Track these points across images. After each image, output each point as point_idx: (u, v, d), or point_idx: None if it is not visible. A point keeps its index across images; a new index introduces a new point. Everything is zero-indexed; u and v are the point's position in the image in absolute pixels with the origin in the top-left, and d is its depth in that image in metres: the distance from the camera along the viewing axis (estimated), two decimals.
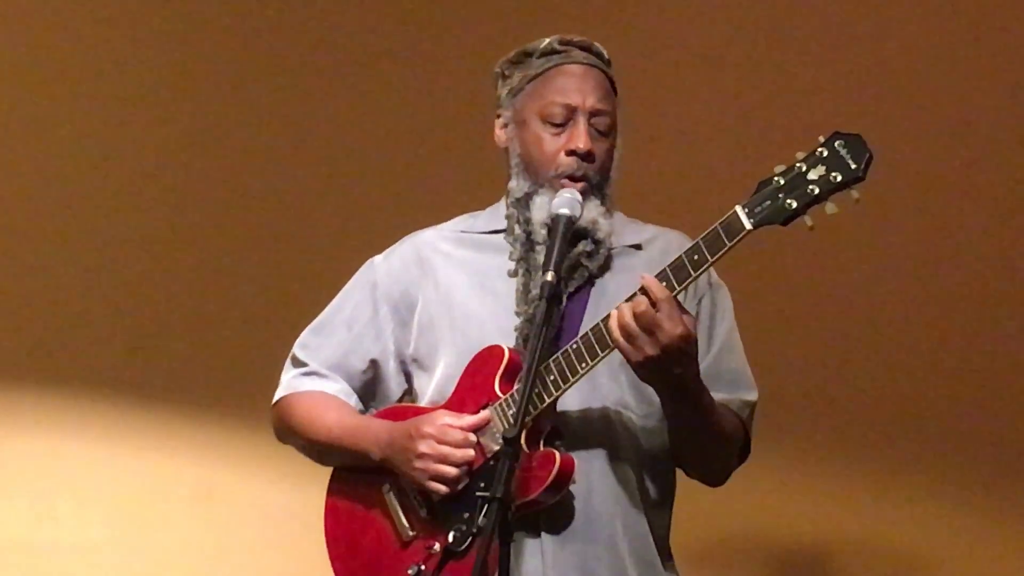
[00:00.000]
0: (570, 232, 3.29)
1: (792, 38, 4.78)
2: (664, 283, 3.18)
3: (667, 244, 3.51)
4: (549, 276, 3.19)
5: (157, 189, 5.19)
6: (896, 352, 4.64)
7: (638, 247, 3.50)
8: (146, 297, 5.15)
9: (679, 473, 3.47)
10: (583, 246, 3.38)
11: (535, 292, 3.35)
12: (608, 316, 3.18)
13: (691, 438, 3.32)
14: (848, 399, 4.65)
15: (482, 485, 3.24)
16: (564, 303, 3.34)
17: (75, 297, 5.15)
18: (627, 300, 3.16)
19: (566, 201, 3.30)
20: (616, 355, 3.21)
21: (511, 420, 3.26)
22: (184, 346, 5.09)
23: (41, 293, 5.16)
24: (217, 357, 4.92)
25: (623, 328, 3.12)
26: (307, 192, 5.14)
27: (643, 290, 3.14)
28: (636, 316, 3.10)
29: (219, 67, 5.22)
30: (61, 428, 5.11)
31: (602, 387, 3.34)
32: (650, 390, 3.34)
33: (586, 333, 3.24)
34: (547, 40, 3.49)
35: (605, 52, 3.52)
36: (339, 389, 3.59)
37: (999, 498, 4.54)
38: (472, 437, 3.32)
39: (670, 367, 3.13)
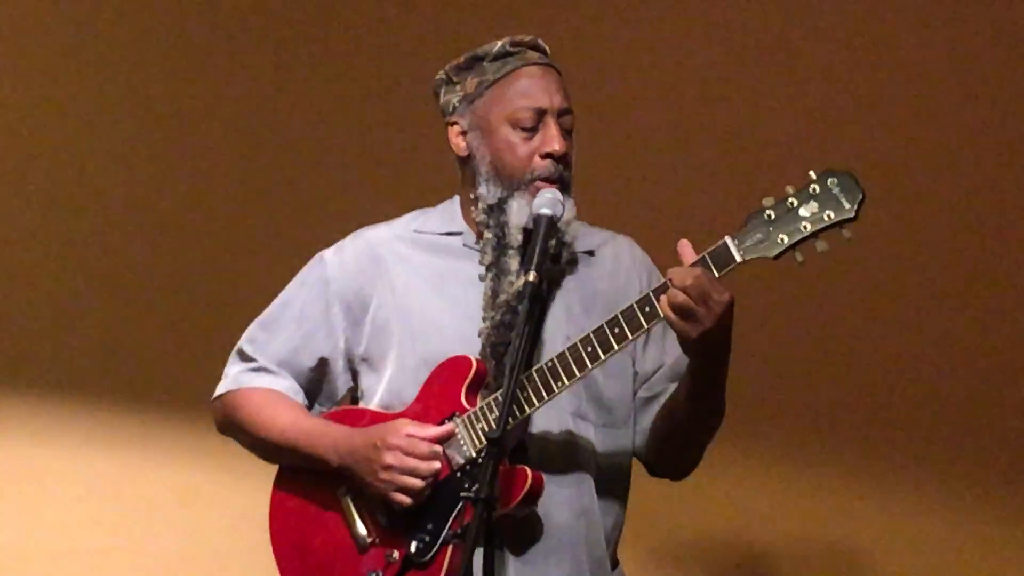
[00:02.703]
0: (552, 232, 3.28)
1: (779, 58, 4.82)
2: (647, 308, 3.20)
3: (617, 250, 3.53)
4: (531, 276, 3.17)
5: (135, 193, 5.11)
6: (875, 349, 4.71)
7: (591, 253, 3.50)
8: (128, 301, 5.07)
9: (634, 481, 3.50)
10: (552, 247, 3.36)
11: (503, 297, 3.34)
12: (642, 302, 3.18)
13: (706, 410, 3.32)
14: (827, 398, 4.72)
15: (466, 487, 3.22)
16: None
17: (56, 302, 5.07)
18: (658, 289, 3.15)
19: (548, 201, 3.29)
20: None
21: (483, 431, 3.27)
22: (167, 349, 5.02)
23: (22, 299, 5.08)
24: (202, 360, 4.77)
25: (679, 307, 3.10)
26: (290, 195, 5.09)
27: (671, 279, 3.13)
28: (687, 289, 3.09)
29: (198, 74, 5.17)
30: (45, 434, 5.03)
31: (561, 398, 3.33)
32: (609, 399, 3.41)
33: (563, 352, 3.25)
34: (498, 43, 3.45)
35: (549, 49, 3.50)
36: (288, 387, 3.54)
37: (985, 497, 4.64)
38: (438, 449, 3.30)
39: (720, 334, 3.14)
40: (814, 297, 4.70)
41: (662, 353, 3.45)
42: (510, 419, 3.23)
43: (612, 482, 3.43)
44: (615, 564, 3.50)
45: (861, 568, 4.65)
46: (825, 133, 4.66)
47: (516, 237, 3.37)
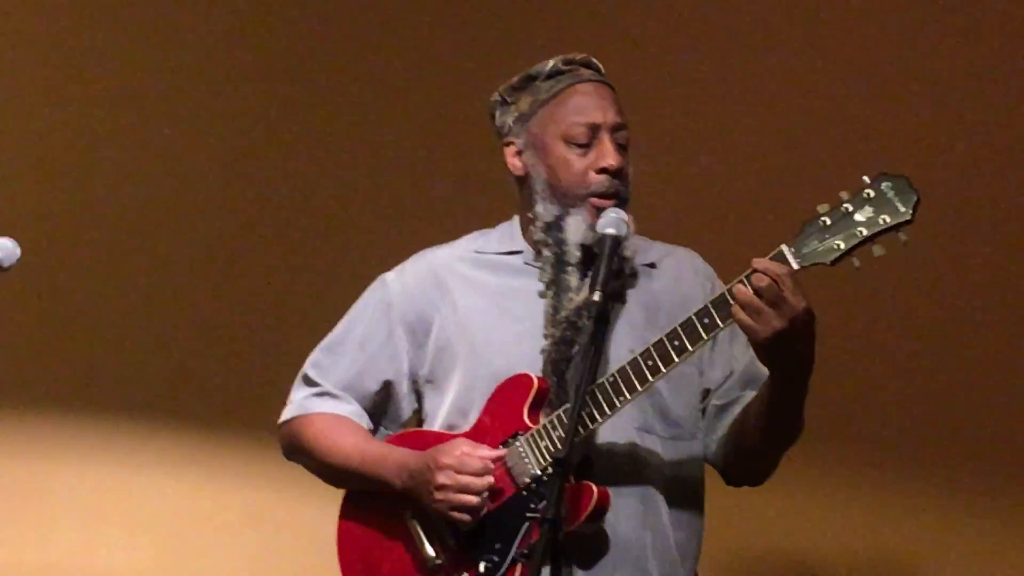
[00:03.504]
0: (617, 252, 3.27)
1: (832, 68, 4.80)
2: (706, 319, 3.18)
3: (679, 263, 3.52)
4: (597, 296, 3.16)
5: (198, 219, 5.13)
6: (927, 367, 4.68)
7: (653, 266, 3.49)
8: (190, 324, 5.09)
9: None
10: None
11: (564, 314, 3.34)
12: (717, 301, 3.15)
13: (785, 423, 3.28)
14: (882, 413, 4.69)
15: (532, 507, 3.25)
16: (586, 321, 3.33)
17: (119, 326, 5.09)
18: (737, 282, 3.12)
19: (612, 221, 3.28)
20: None
21: (547, 449, 3.27)
22: (229, 371, 5.04)
23: (86, 323, 5.09)
24: (263, 382, 4.85)
25: (748, 305, 3.07)
26: (353, 219, 5.11)
27: (753, 273, 3.09)
28: (760, 291, 3.06)
29: (248, 107, 5.19)
30: (109, 456, 5.04)
31: (626, 413, 3.32)
32: (676, 413, 3.39)
33: (624, 367, 3.24)
34: (551, 62, 3.47)
35: (602, 67, 3.51)
36: (352, 411, 3.56)
37: None
38: (491, 465, 3.30)
39: (795, 342, 3.08)
40: (881, 310, 4.69)
41: (731, 360, 3.43)
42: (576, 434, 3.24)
43: (682, 494, 3.41)
44: None
45: None
46: (879, 140, 4.63)
47: (574, 254, 3.37)
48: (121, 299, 5.10)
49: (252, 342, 5.07)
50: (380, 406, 3.58)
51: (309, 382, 3.60)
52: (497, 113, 3.51)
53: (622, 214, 3.30)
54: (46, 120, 5.15)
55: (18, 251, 3.17)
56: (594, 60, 3.48)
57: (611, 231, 3.26)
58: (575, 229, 3.37)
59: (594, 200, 3.37)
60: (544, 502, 3.09)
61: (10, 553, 4.99)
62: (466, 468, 3.29)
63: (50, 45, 5.20)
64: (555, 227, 3.39)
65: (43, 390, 5.07)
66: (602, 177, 3.37)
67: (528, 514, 3.21)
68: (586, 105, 3.41)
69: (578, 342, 3.29)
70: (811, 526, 4.72)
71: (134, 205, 5.14)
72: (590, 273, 3.28)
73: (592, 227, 3.33)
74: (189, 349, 5.07)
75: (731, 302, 3.13)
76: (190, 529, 5.01)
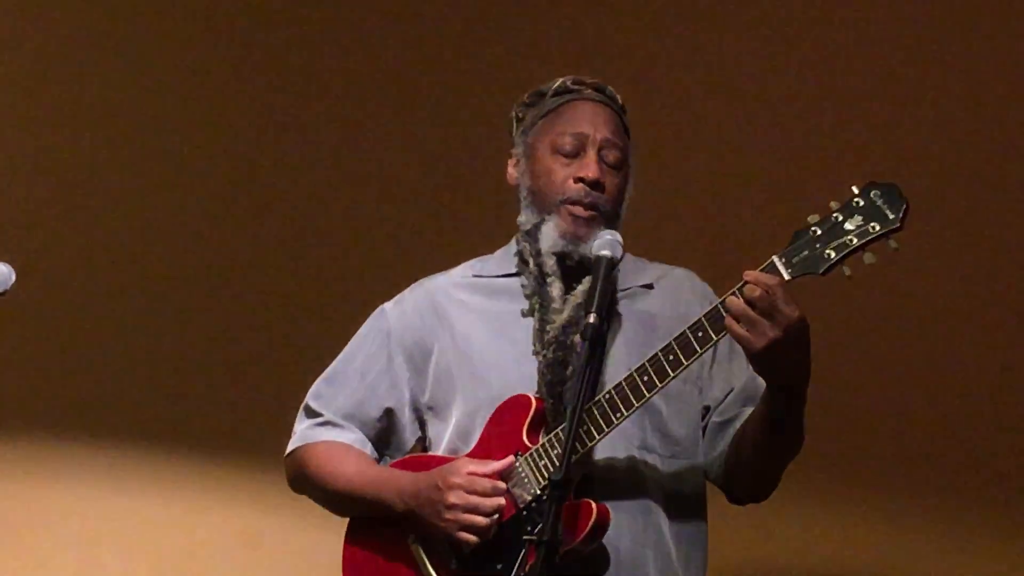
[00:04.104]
0: (611, 274, 3.28)
1: (817, 83, 4.83)
2: (700, 332, 3.19)
3: (677, 282, 3.53)
4: (592, 319, 3.16)
5: (196, 243, 5.15)
6: (947, 376, 4.67)
7: (649, 287, 3.50)
8: (187, 349, 5.10)
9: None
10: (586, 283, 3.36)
11: (550, 329, 3.35)
12: (711, 313, 3.15)
13: (784, 436, 3.27)
14: (887, 426, 4.68)
15: (528, 530, 3.25)
16: (577, 339, 3.33)
17: (114, 351, 5.10)
18: (729, 294, 3.13)
19: (607, 243, 3.29)
20: None
21: (546, 468, 3.27)
22: (227, 396, 5.05)
23: (81, 347, 5.10)
24: (262, 405, 4.88)
25: (742, 315, 3.08)
26: (358, 250, 5.13)
27: (745, 285, 3.10)
28: (753, 301, 3.07)
29: (258, 119, 5.22)
30: (106, 479, 5.05)
31: (626, 431, 3.33)
32: (675, 431, 3.39)
33: (620, 383, 3.25)
34: (560, 80, 3.51)
35: (619, 97, 3.54)
36: (355, 439, 3.57)
37: None
38: (500, 485, 3.31)
39: (790, 351, 3.09)
40: (884, 320, 4.69)
41: (730, 376, 3.43)
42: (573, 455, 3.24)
43: (683, 511, 3.41)
44: None
45: None
46: (869, 150, 4.65)
47: (548, 263, 3.40)
48: (117, 323, 5.12)
49: (249, 367, 5.07)
50: (383, 434, 3.59)
51: (311, 413, 3.62)
52: (512, 129, 3.55)
53: (616, 236, 3.32)
54: (43, 139, 5.18)
55: (13, 276, 3.17)
56: (609, 88, 3.52)
57: (605, 253, 3.28)
58: (547, 235, 3.39)
59: (568, 207, 3.39)
60: (541, 525, 3.08)
61: None
62: (476, 488, 3.30)
63: (45, 62, 5.24)
64: (532, 235, 3.43)
65: (39, 415, 5.07)
66: (578, 186, 3.40)
67: (525, 536, 3.21)
68: (579, 118, 3.45)
69: (570, 360, 3.30)
70: (815, 540, 4.70)
71: (131, 228, 5.16)
72: (575, 288, 3.31)
73: (565, 235, 3.36)
74: (186, 374, 5.08)
75: (724, 315, 3.15)
76: (186, 554, 5.01)
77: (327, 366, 3.64)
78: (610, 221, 3.42)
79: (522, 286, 3.46)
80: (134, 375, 5.08)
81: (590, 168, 3.39)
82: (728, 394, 3.43)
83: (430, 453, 3.53)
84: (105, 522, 5.04)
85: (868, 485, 4.70)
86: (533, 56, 4.96)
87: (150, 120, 5.19)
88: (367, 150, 5.15)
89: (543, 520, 3.05)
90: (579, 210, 3.39)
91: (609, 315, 3.40)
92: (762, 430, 3.28)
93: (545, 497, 3.23)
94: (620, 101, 3.53)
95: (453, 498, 3.30)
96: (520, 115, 3.53)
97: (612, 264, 3.28)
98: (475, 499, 3.29)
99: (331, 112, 5.19)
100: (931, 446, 4.65)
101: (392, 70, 5.16)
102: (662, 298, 3.49)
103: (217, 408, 5.05)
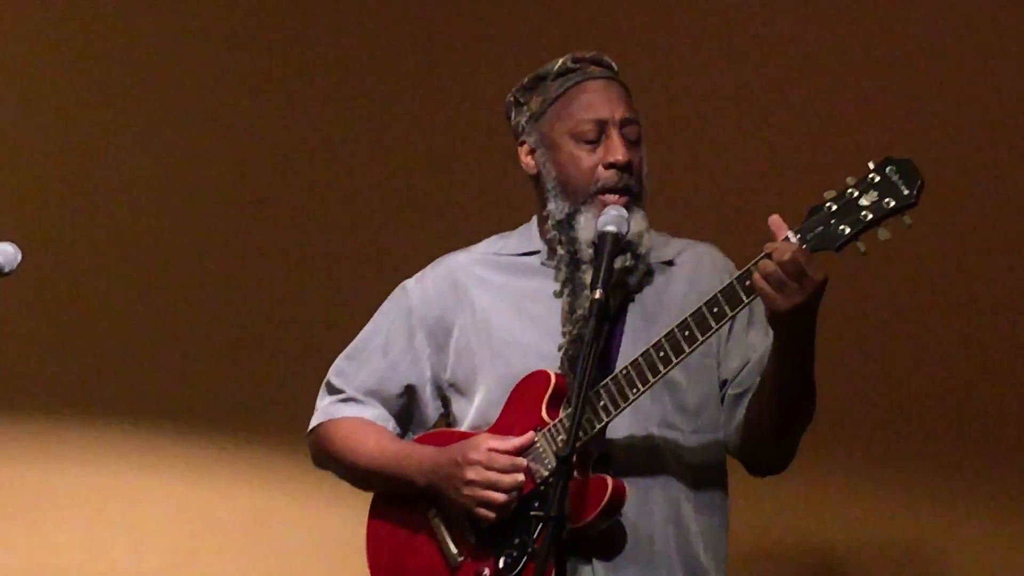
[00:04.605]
0: (617, 249, 3.30)
1: (833, 58, 4.82)
2: (715, 308, 3.20)
3: (698, 258, 3.53)
4: (597, 294, 3.20)
5: (206, 220, 5.16)
6: (962, 348, 4.67)
7: (670, 263, 3.51)
8: (197, 326, 5.11)
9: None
10: (622, 261, 3.37)
11: (580, 312, 3.36)
12: (747, 274, 3.17)
13: (796, 396, 3.28)
14: (904, 403, 4.68)
15: (535, 506, 3.28)
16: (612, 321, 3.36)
17: (125, 328, 5.11)
18: (744, 271, 3.17)
19: (612, 219, 3.32)
20: None
21: (563, 442, 3.28)
22: (237, 375, 5.06)
23: (89, 325, 5.11)
24: (268, 383, 4.90)
25: (770, 276, 3.11)
26: (357, 220, 5.12)
27: (772, 252, 3.13)
28: (784, 264, 3.10)
29: (264, 107, 5.21)
30: (114, 459, 5.07)
31: (646, 408, 3.35)
32: (695, 406, 3.40)
33: (636, 359, 3.26)
34: (559, 61, 3.50)
35: (615, 64, 3.53)
36: (376, 415, 3.59)
37: None
38: (520, 461, 3.33)
39: (810, 312, 3.14)
40: (897, 294, 4.68)
41: (747, 349, 3.43)
42: (588, 431, 3.27)
43: (704, 486, 3.42)
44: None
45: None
46: (888, 127, 4.63)
47: (586, 251, 3.39)
48: (126, 301, 5.12)
49: (260, 345, 5.08)
50: (405, 411, 3.61)
51: (332, 389, 3.64)
52: (512, 114, 3.54)
53: (623, 211, 3.34)
54: (49, 123, 5.18)
55: (19, 256, 3.18)
56: (605, 57, 3.51)
57: (611, 228, 3.30)
58: (586, 226, 3.39)
59: (603, 197, 3.40)
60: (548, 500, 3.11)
61: (18, 557, 5.02)
62: (494, 464, 3.32)
63: (54, 49, 5.24)
64: (567, 225, 3.42)
65: (49, 394, 5.09)
66: (610, 172, 3.40)
67: (532, 512, 3.24)
68: (594, 101, 3.44)
69: (584, 344, 3.31)
70: (833, 515, 4.70)
71: (140, 205, 5.16)
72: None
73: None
74: (196, 352, 5.09)
75: (740, 291, 3.16)
76: (197, 533, 5.03)
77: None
78: (639, 200, 3.43)
79: (555, 269, 3.45)
80: (142, 354, 5.09)
81: (618, 151, 3.39)
82: (745, 366, 3.43)
83: (455, 429, 3.55)
84: (115, 501, 5.06)
85: (886, 458, 4.71)
86: (544, 28, 4.97)
87: (161, 96, 5.19)
88: (386, 126, 5.14)
89: (550, 496, 3.08)
90: (613, 199, 3.39)
91: (629, 291, 3.42)
92: (774, 392, 3.29)
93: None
94: (615, 67, 3.52)
95: (472, 474, 3.33)
96: (520, 99, 3.51)
97: (617, 239, 3.29)
98: (494, 475, 3.32)
99: (351, 85, 5.18)
100: (953, 423, 4.65)
101: (405, 47, 5.16)
102: (682, 274, 3.50)
103: (225, 387, 5.06)
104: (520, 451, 3.34)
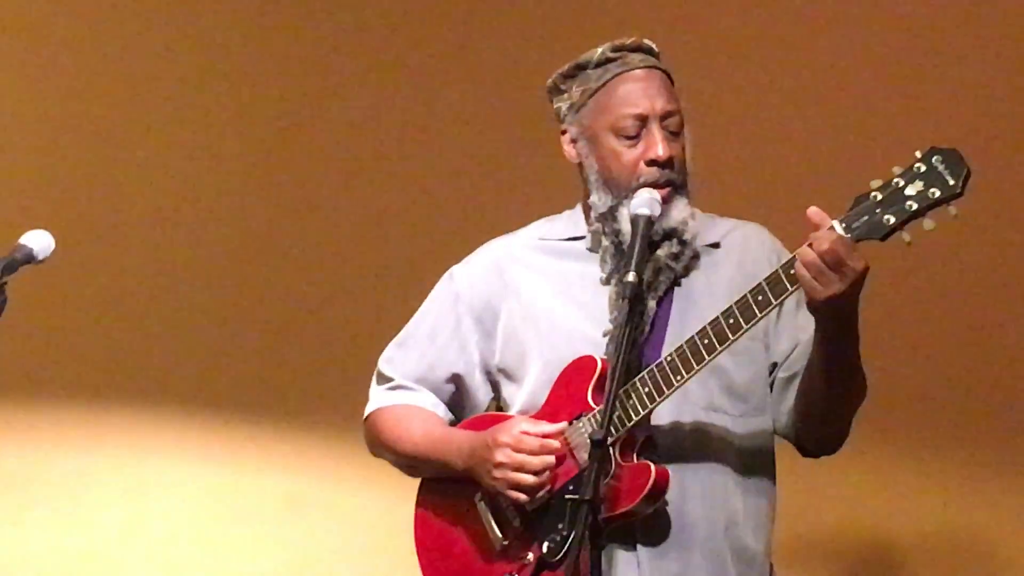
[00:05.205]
0: (650, 232, 3.32)
1: (886, 44, 4.81)
2: (760, 296, 3.21)
3: (745, 239, 3.53)
4: (631, 277, 3.22)
5: (232, 206, 5.21)
6: (1002, 349, 4.66)
7: (716, 245, 3.52)
8: (228, 312, 5.16)
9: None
10: (669, 247, 3.40)
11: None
12: (791, 262, 3.16)
13: (845, 378, 3.29)
14: (952, 394, 4.66)
15: (571, 490, 3.30)
16: (649, 304, 3.38)
17: (157, 314, 5.17)
18: (786, 262, 3.17)
19: (645, 201, 3.33)
20: None
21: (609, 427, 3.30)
22: (268, 360, 5.10)
23: (124, 312, 5.18)
24: (302, 368, 4.94)
25: (811, 265, 3.11)
26: (388, 206, 5.14)
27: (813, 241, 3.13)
28: (823, 254, 3.10)
29: (291, 90, 5.25)
30: (148, 444, 5.14)
31: (692, 393, 3.36)
32: (743, 389, 3.41)
33: (681, 346, 3.27)
34: (599, 49, 3.49)
35: (655, 46, 3.52)
36: (427, 401, 3.62)
37: None
38: (550, 444, 3.34)
39: (850, 301, 3.14)
40: (958, 286, 4.67)
41: (797, 331, 3.42)
42: (632, 417, 3.28)
43: (753, 470, 3.43)
44: (770, 564, 3.47)
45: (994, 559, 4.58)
46: (936, 118, 4.62)
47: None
48: (160, 287, 5.18)
49: (291, 330, 5.11)
50: (455, 397, 3.63)
51: (382, 378, 3.67)
52: (553, 100, 3.55)
53: (655, 194, 3.35)
54: (76, 115, 5.24)
55: (53, 243, 3.25)
56: (646, 42, 3.49)
57: (644, 211, 3.32)
58: (627, 219, 3.39)
59: (647, 190, 3.40)
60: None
61: (51, 540, 5.09)
62: (523, 446, 3.34)
63: (83, 42, 5.28)
64: (609, 217, 3.44)
65: (83, 379, 5.16)
66: (652, 168, 3.41)
67: (567, 496, 3.26)
68: (633, 95, 3.43)
69: (617, 327, 3.32)
70: (884, 504, 4.70)
71: (167, 193, 5.22)
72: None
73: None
74: (229, 337, 5.13)
75: (784, 279, 3.17)
76: (230, 517, 5.08)
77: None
78: (683, 188, 3.44)
79: (601, 261, 3.47)
80: (177, 339, 5.15)
81: (659, 147, 3.40)
82: (795, 348, 3.43)
83: (496, 413, 3.58)
84: (148, 483, 5.12)
85: (938, 447, 4.70)
86: (573, 20, 4.97)
87: (195, 78, 5.24)
88: (437, 113, 5.17)
89: (584, 480, 3.10)
90: (656, 193, 3.39)
91: (675, 275, 3.44)
92: (822, 374, 3.29)
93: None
94: (656, 50, 3.51)
95: (500, 456, 3.35)
96: (561, 87, 3.51)
97: (650, 222, 3.31)
98: (521, 457, 3.34)
99: (370, 68, 5.21)
100: (1005, 412, 4.63)
101: (428, 38, 5.20)
102: (729, 255, 3.50)
103: (259, 373, 5.11)
104: (554, 437, 3.35)
